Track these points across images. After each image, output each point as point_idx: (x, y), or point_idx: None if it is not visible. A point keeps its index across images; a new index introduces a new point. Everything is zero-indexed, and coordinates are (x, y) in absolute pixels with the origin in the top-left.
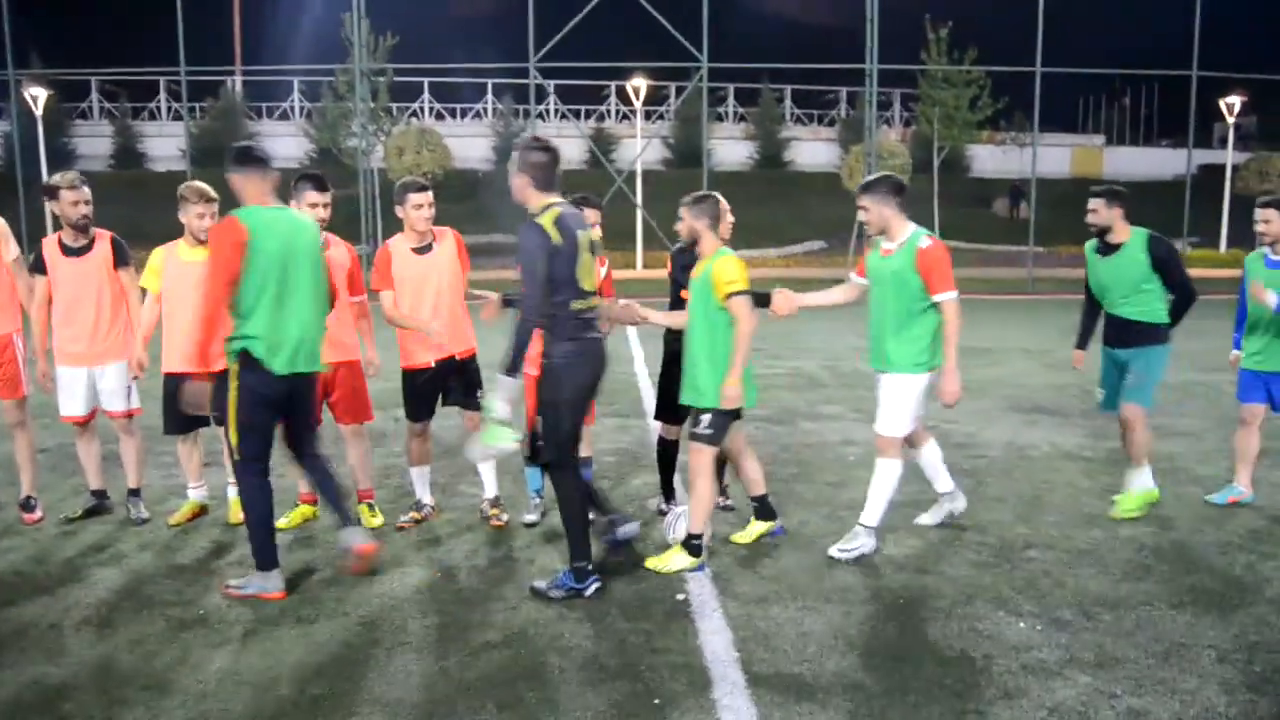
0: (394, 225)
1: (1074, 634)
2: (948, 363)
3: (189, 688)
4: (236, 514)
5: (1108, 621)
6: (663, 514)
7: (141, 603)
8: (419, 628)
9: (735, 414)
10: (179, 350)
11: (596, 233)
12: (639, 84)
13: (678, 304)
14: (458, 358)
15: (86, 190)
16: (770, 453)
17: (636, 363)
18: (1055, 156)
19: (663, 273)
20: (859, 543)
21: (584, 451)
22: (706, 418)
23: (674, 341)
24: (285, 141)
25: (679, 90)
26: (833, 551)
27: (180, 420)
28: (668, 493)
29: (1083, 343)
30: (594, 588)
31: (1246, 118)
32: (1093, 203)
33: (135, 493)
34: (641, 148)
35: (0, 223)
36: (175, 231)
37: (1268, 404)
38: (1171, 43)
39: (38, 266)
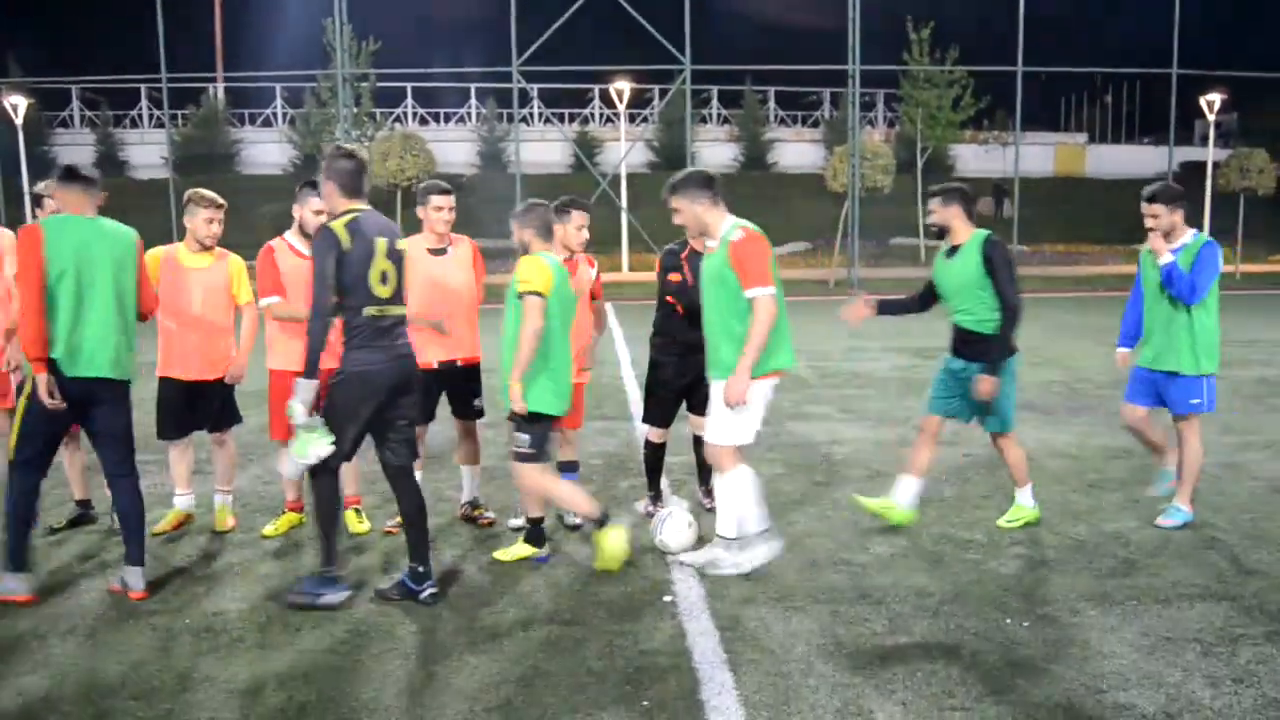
0: None
1: (1060, 629)
2: (742, 361)
3: (176, 697)
4: (224, 521)
5: (1093, 617)
6: (649, 516)
7: (127, 612)
8: (406, 633)
9: (544, 421)
10: (175, 355)
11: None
12: (622, 87)
13: (664, 306)
14: (460, 363)
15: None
16: (757, 452)
17: (623, 366)
18: (1038, 155)
19: (649, 275)
20: (716, 554)
21: (569, 455)
22: (521, 436)
23: (660, 345)
24: (269, 148)
25: (662, 93)
26: (686, 558)
27: (174, 425)
28: (655, 495)
29: (884, 308)
30: (343, 596)
31: (1227, 115)
32: (930, 202)
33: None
34: (625, 151)
35: (7, 233)
36: (158, 238)
37: (1153, 405)
38: (1152, 41)
39: None
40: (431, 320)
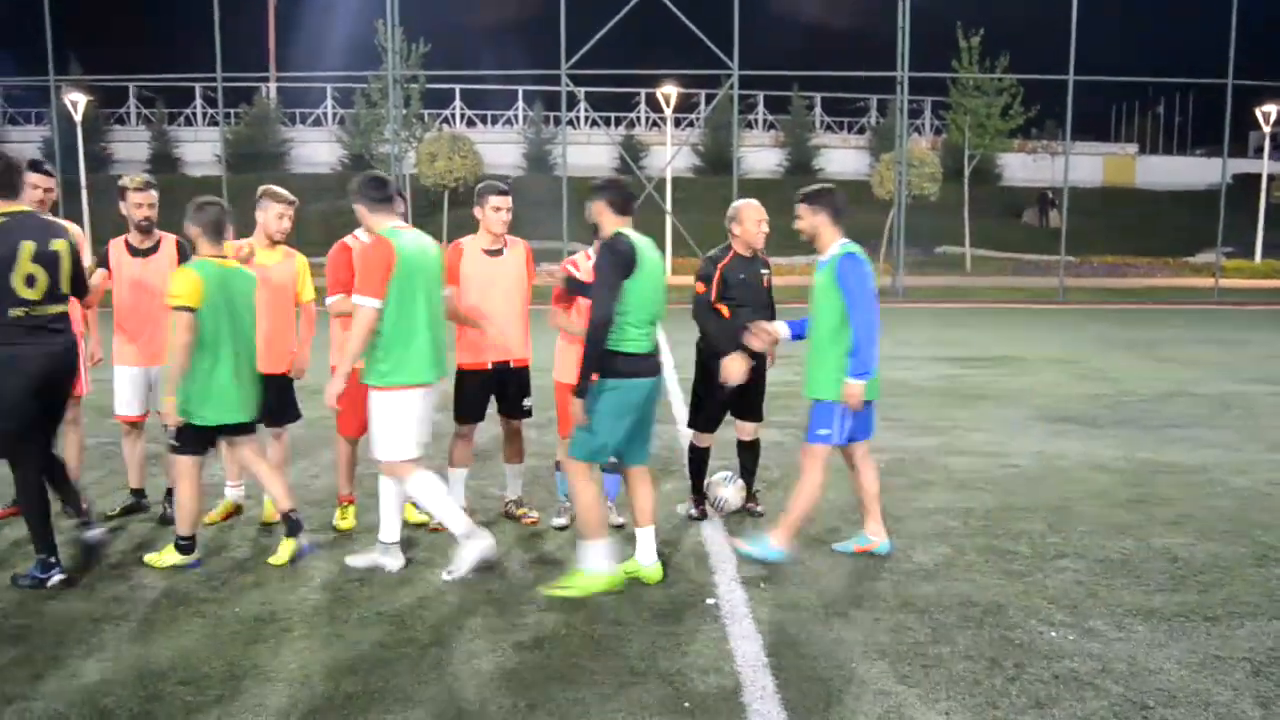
0: (426, 229)
1: (1106, 644)
2: (341, 366)
3: (225, 684)
4: (271, 513)
5: (1141, 632)
6: (693, 518)
7: (178, 600)
8: (451, 628)
9: (201, 429)
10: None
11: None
12: (669, 91)
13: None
14: (512, 364)
15: (154, 193)
16: (797, 459)
17: (666, 370)
18: (1087, 165)
19: (691, 279)
20: (375, 558)
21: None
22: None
23: (707, 351)
24: (318, 147)
25: (709, 98)
26: (349, 560)
27: None
28: (698, 499)
29: (796, 329)
30: (57, 579)
31: None
32: (797, 207)
33: (173, 493)
34: (671, 155)
35: (76, 229)
36: None
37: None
38: (1206, 50)
39: (103, 263)
40: (477, 319)
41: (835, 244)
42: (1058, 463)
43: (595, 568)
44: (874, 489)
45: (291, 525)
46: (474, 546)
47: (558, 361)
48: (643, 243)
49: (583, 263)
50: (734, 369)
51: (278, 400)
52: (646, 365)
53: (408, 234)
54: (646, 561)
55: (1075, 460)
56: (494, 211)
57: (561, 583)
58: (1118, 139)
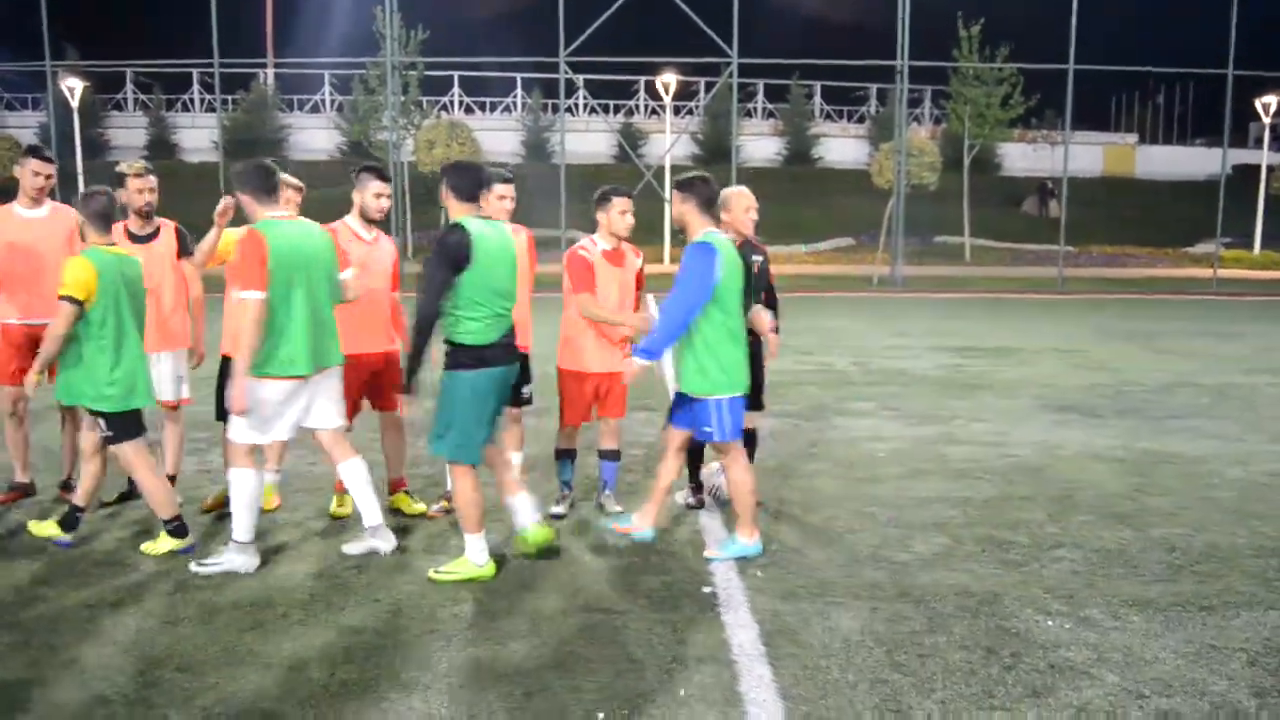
0: (423, 217)
1: (1103, 634)
2: (238, 364)
3: (221, 670)
4: (269, 500)
5: (1137, 622)
6: (690, 507)
7: (175, 586)
8: (448, 615)
9: (126, 413)
10: None
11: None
12: (669, 79)
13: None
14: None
15: (153, 179)
16: (798, 448)
17: (665, 357)
18: (1087, 155)
19: None
20: (225, 559)
21: (611, 444)
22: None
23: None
24: (316, 134)
25: (708, 86)
26: (192, 566)
27: None
28: (696, 486)
29: None
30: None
31: None
32: (674, 194)
33: (171, 479)
34: (670, 143)
35: (73, 213)
36: (206, 221)
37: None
38: (1207, 41)
39: None
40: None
41: (700, 233)
42: (1057, 453)
43: (472, 559)
44: (666, 483)
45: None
46: (241, 559)
47: (560, 349)
48: (485, 231)
49: (591, 248)
50: (762, 319)
51: None
52: (493, 354)
53: (286, 224)
54: (530, 523)
55: (1074, 450)
56: (499, 200)
57: (445, 569)
58: (1118, 129)
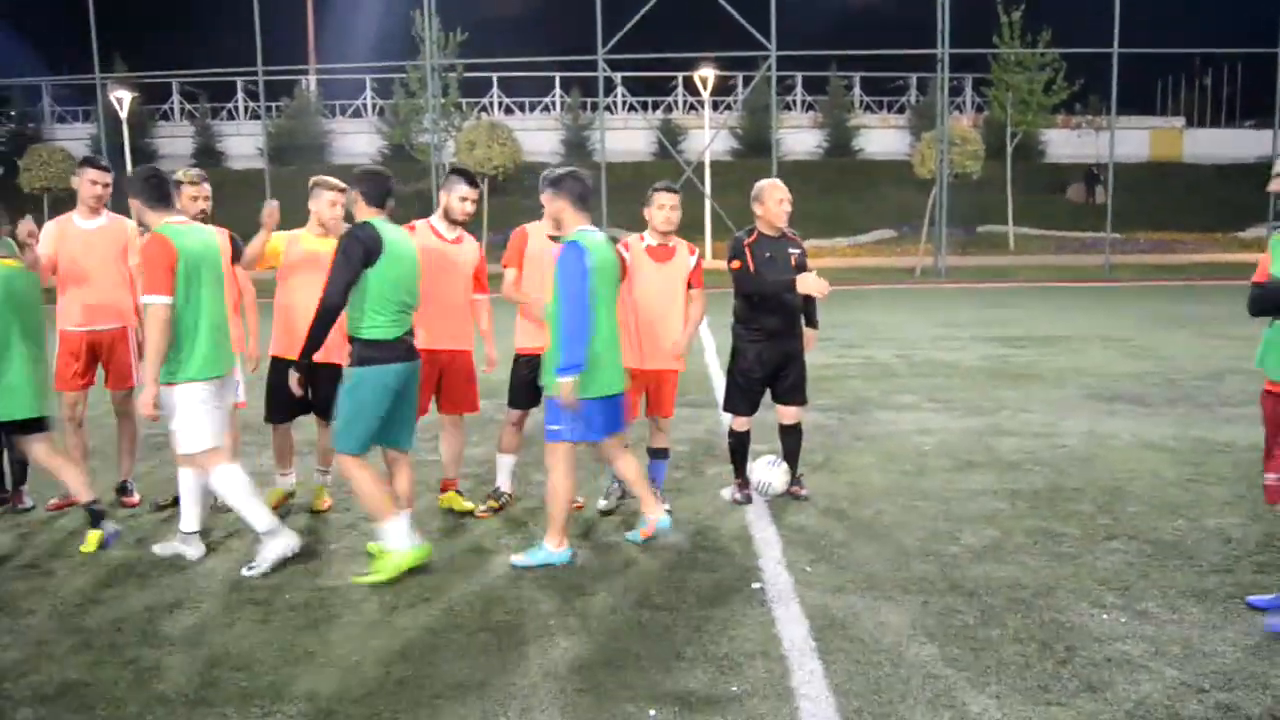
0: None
1: (1160, 626)
2: (149, 371)
3: (277, 669)
4: (321, 501)
5: (1195, 614)
6: (737, 503)
7: (231, 587)
8: (499, 614)
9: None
10: (297, 337)
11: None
12: (707, 74)
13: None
14: None
15: (207, 186)
16: (844, 442)
17: (708, 353)
18: (1133, 140)
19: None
20: (177, 546)
21: (661, 443)
22: None
23: (744, 334)
24: (358, 138)
25: (747, 80)
26: (156, 549)
27: (284, 408)
28: (742, 482)
29: None
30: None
31: None
32: (543, 192)
33: None
34: (710, 138)
35: (132, 225)
36: (253, 227)
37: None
38: (1255, 20)
39: None
40: (537, 301)
41: (573, 230)
42: (1108, 442)
43: (395, 545)
44: (632, 474)
45: (94, 515)
46: (276, 544)
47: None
48: (393, 234)
49: (636, 245)
50: (811, 282)
51: (329, 391)
52: (395, 351)
53: (187, 229)
54: (408, 545)
55: (1126, 440)
56: (659, 210)
57: (371, 569)
58: (1164, 112)
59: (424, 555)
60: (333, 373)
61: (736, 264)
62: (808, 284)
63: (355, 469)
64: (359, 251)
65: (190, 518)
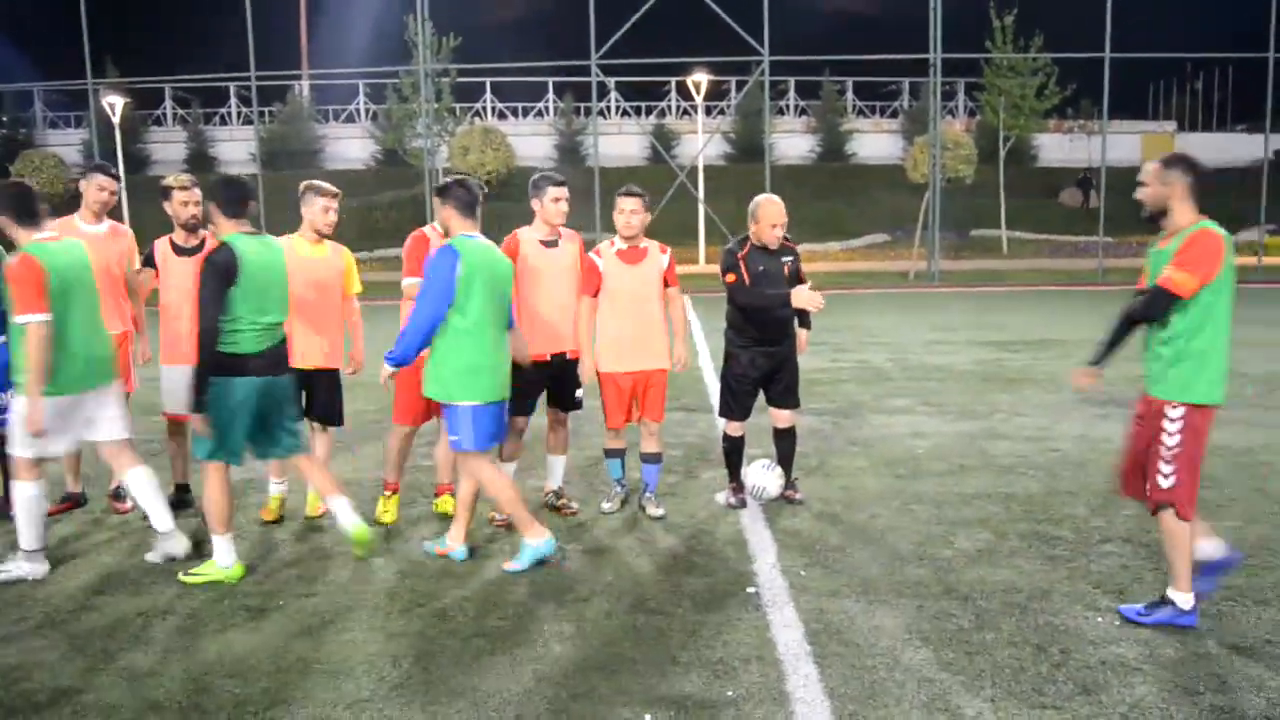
0: None
1: (1154, 629)
2: (31, 387)
3: (271, 676)
4: (315, 507)
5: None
6: (732, 507)
7: (224, 594)
8: (494, 619)
9: None
10: (293, 345)
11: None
12: (700, 79)
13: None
14: (568, 355)
15: (198, 191)
16: (838, 446)
17: (702, 358)
18: (1125, 144)
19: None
20: (11, 567)
21: (652, 447)
22: None
23: (736, 339)
24: (351, 144)
25: (740, 84)
26: (149, 557)
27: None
28: (736, 486)
29: None
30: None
31: None
32: (435, 200)
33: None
34: (703, 143)
35: (131, 235)
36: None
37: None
38: (1246, 24)
39: (148, 263)
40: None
41: (457, 235)
42: (1101, 447)
43: (219, 561)
44: (470, 493)
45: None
46: (169, 544)
47: (599, 353)
48: (252, 248)
49: (606, 251)
50: (805, 296)
51: (327, 397)
52: (256, 364)
53: (56, 245)
54: (350, 524)
55: (1119, 444)
56: (554, 203)
57: (194, 570)
58: (1156, 116)
59: (236, 577)
60: (331, 379)
61: (731, 278)
62: (802, 299)
63: (212, 473)
64: (219, 279)
65: (29, 536)
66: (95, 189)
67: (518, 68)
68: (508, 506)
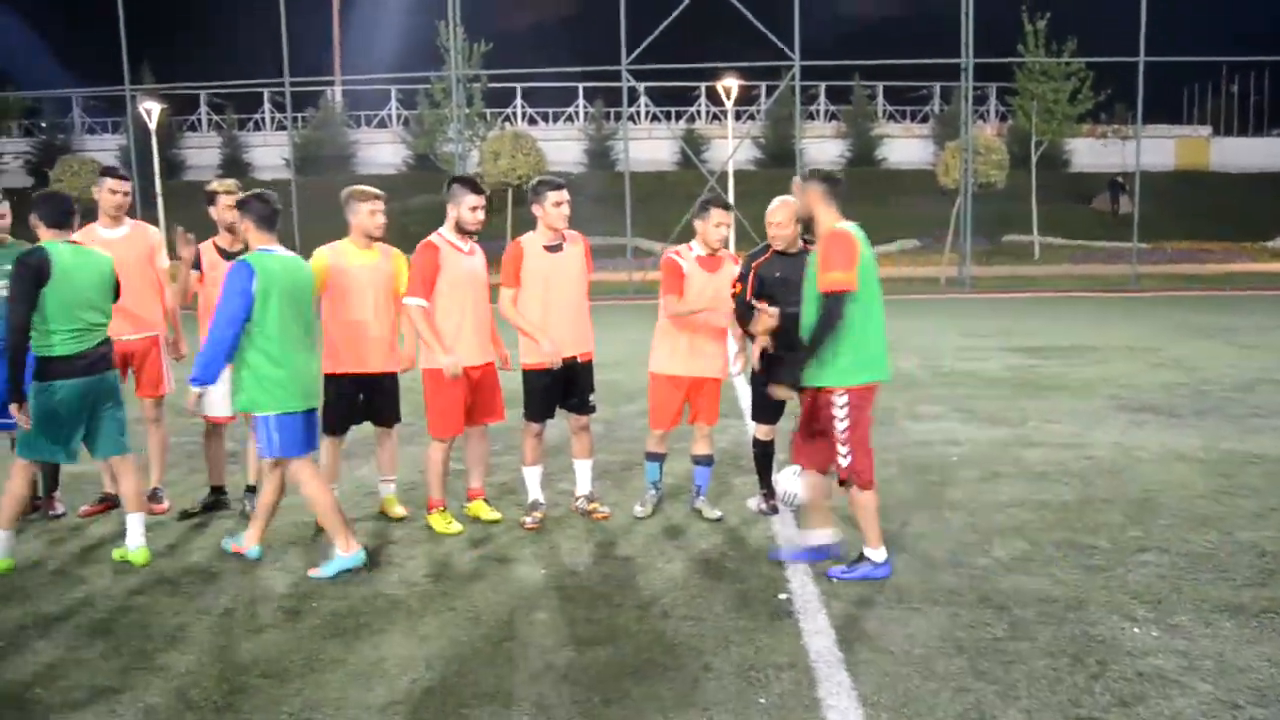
0: (490, 227)
1: (1193, 641)
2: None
3: (304, 677)
4: (393, 509)
5: (1228, 628)
6: (763, 513)
7: (259, 594)
8: (525, 623)
9: None
10: (351, 352)
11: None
12: (730, 84)
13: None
14: (579, 360)
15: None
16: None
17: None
18: (1159, 149)
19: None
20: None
21: (704, 450)
22: None
23: (768, 344)
24: (383, 149)
25: (770, 89)
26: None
27: (344, 422)
28: (767, 493)
29: None
30: None
31: None
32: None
33: (252, 489)
34: (733, 148)
35: (156, 231)
36: (286, 237)
37: None
38: None
39: (196, 266)
40: (533, 331)
41: (254, 249)
42: (1136, 454)
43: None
44: (273, 500)
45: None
46: None
47: (653, 353)
48: (67, 253)
49: (685, 254)
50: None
51: (386, 400)
52: (75, 366)
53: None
54: (133, 545)
55: (1155, 451)
56: (555, 207)
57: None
58: (1190, 121)
59: (4, 568)
60: (390, 382)
61: (737, 287)
62: (773, 388)
63: (17, 472)
64: (29, 279)
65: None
66: (107, 193)
67: (548, 73)
68: (323, 515)
